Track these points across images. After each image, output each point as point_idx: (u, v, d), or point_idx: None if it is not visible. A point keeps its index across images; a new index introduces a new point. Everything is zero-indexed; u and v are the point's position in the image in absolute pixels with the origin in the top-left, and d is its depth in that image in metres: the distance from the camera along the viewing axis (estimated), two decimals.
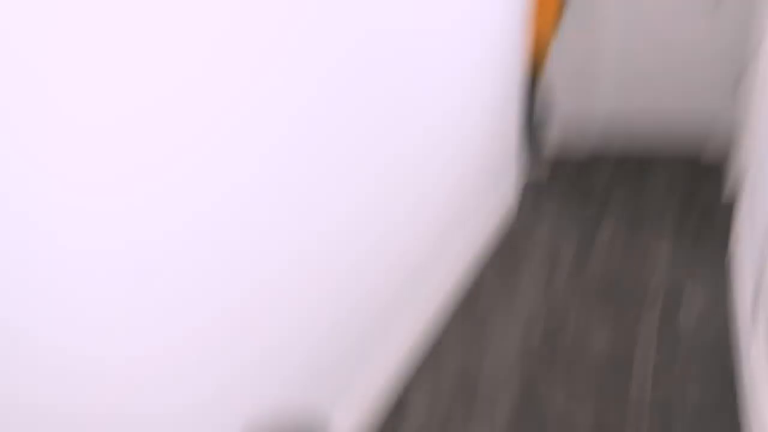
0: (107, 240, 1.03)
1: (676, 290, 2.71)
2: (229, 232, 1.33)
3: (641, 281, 2.82)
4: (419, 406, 2.09)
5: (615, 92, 4.57)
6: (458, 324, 2.59)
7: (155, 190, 1.11)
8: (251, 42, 1.32)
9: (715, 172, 4.17)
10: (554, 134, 4.81)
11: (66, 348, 0.98)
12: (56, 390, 0.97)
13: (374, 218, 1.98)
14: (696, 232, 3.30)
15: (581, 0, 4.36)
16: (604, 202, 3.83)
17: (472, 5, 2.67)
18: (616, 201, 3.83)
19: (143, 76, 1.05)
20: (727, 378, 2.11)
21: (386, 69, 1.95)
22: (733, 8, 3.92)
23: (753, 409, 1.76)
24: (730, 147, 4.37)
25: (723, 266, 2.88)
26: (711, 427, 1.89)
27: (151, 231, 1.12)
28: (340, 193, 1.75)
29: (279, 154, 1.47)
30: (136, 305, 1.10)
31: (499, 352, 2.36)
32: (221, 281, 1.32)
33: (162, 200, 1.13)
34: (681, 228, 3.36)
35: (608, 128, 4.70)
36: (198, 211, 1.23)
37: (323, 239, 1.69)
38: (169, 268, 1.17)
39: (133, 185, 1.06)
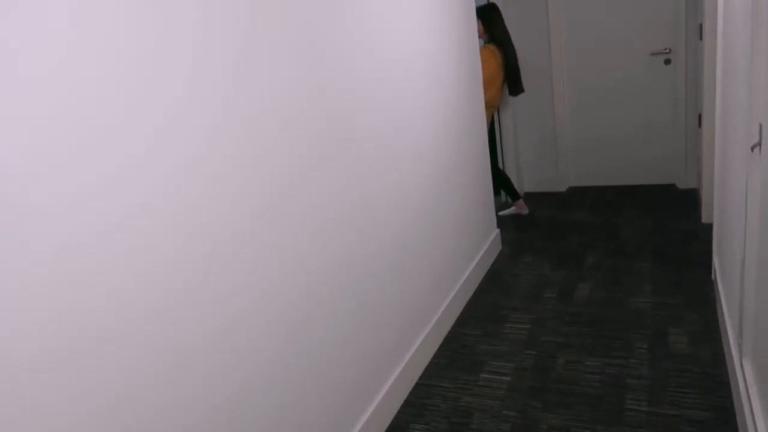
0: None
1: (664, 312, 2.70)
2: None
3: (628, 306, 2.81)
4: None
5: (591, 140, 4.69)
6: (451, 361, 2.55)
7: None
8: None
9: (691, 197, 4.25)
10: (527, 175, 4.89)
11: None
12: None
13: (373, 280, 1.98)
14: (677, 254, 3.32)
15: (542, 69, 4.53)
16: (586, 232, 3.86)
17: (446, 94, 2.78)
18: (598, 230, 3.86)
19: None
20: (723, 392, 2.08)
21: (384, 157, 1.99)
22: (682, 61, 4.21)
23: (751, 424, 1.73)
24: (702, 173, 4.47)
25: (707, 285, 2.89)
26: None
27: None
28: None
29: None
30: None
31: (492, 385, 2.32)
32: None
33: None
34: (662, 251, 3.39)
35: (585, 168, 4.79)
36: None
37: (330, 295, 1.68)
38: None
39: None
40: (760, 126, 1.56)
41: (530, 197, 4.80)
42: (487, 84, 4.01)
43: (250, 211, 1.48)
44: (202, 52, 1.31)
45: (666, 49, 4.30)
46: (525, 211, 4.41)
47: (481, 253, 3.38)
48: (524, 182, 4.93)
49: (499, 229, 3.78)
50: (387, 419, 2.16)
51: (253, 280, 1.48)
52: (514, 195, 4.38)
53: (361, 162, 2.03)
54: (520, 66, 4.50)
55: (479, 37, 4.10)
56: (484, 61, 4.00)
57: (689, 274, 3.05)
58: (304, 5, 1.71)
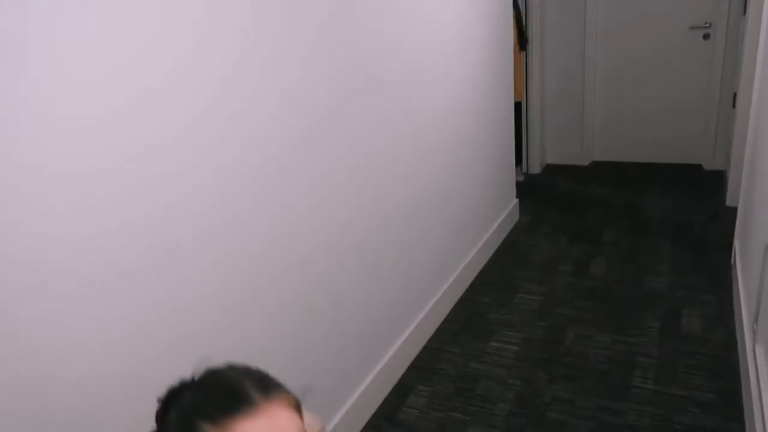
0: None
1: (679, 293, 2.67)
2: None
3: (643, 285, 2.78)
4: (419, 406, 2.05)
5: (622, 113, 4.58)
6: (461, 327, 2.56)
7: None
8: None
9: (716, 179, 4.16)
10: (548, 147, 4.81)
11: None
12: None
13: (387, 241, 1.97)
14: (698, 236, 3.27)
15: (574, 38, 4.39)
16: (606, 207, 3.81)
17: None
18: (618, 206, 3.81)
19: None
20: (732, 376, 2.07)
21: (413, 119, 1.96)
22: (721, 37, 4.07)
23: (758, 409, 1.73)
24: (730, 154, 4.36)
25: (725, 269, 2.85)
26: (714, 418, 1.85)
27: None
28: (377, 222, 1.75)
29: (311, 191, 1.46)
30: None
31: (501, 353, 2.33)
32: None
33: None
34: (683, 232, 3.34)
35: (610, 142, 4.70)
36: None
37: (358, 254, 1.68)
38: None
39: None
40: None
41: (552, 170, 4.74)
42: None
43: (264, 162, 1.47)
44: None
45: (706, 23, 4.14)
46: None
47: (499, 221, 3.36)
48: (547, 154, 4.85)
49: (517, 199, 3.75)
50: (394, 378, 2.19)
51: (278, 224, 1.49)
52: None
53: (379, 113, 2.00)
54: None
55: None
56: None
57: (708, 257, 3.01)
58: None
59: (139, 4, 1.07)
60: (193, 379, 0.75)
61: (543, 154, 4.77)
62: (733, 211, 3.55)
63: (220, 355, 1.06)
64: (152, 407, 0.75)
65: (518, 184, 4.17)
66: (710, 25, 4.13)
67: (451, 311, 2.69)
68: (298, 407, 0.78)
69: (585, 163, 4.78)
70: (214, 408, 0.70)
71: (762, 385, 1.69)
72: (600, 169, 4.63)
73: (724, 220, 3.45)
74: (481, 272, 3.05)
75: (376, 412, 2.03)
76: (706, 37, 4.17)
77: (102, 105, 1.02)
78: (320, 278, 1.72)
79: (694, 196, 3.88)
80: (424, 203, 2.38)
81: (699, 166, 4.45)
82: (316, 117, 1.63)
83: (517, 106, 4.25)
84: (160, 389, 0.75)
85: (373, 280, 2.02)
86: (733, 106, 3.90)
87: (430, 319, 2.48)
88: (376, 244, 2.02)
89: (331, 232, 1.75)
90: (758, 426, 1.62)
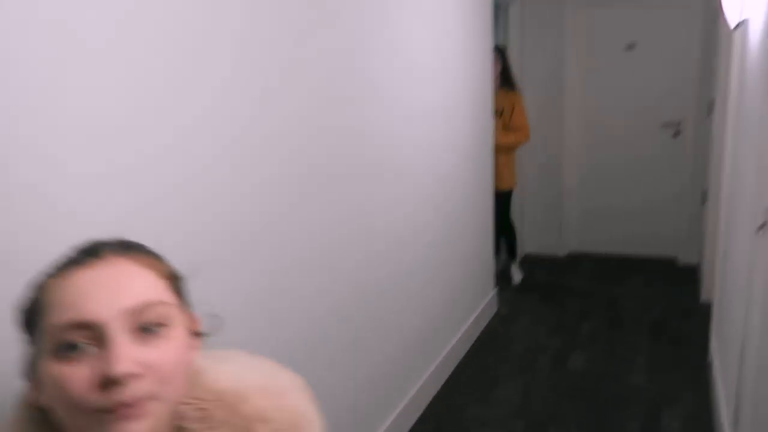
0: None
1: (658, 390, 2.61)
2: None
3: (622, 381, 2.72)
4: None
5: (594, 207, 4.68)
6: (436, 426, 2.45)
7: None
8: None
9: (691, 273, 4.19)
10: (528, 240, 4.85)
11: None
12: None
13: (358, 330, 1.92)
14: (675, 331, 3.25)
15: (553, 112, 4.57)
16: (583, 299, 3.79)
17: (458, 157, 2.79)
18: (595, 299, 3.79)
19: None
20: None
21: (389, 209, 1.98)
22: (690, 135, 4.26)
23: None
24: (704, 250, 4.43)
25: (703, 366, 2.81)
26: None
27: None
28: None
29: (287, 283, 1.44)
30: None
31: None
32: None
33: None
34: (660, 327, 3.31)
35: (586, 234, 4.76)
36: None
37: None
38: None
39: None
40: None
41: (530, 259, 4.75)
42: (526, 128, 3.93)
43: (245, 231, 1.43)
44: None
45: (676, 121, 4.32)
46: (519, 277, 4.24)
47: (477, 312, 3.31)
48: (525, 243, 4.88)
49: (496, 289, 3.72)
50: None
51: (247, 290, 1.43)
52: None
53: (354, 198, 1.98)
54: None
55: (495, 78, 3.73)
56: (521, 107, 3.88)
57: (685, 353, 2.97)
58: (324, 52, 1.71)
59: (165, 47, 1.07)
60: None
61: (521, 243, 4.80)
62: (708, 306, 3.55)
63: None
64: None
65: (497, 274, 4.11)
66: (680, 123, 4.31)
67: (427, 408, 2.57)
68: (169, 277, 0.71)
69: (562, 253, 4.80)
70: (62, 264, 0.68)
71: None
72: (576, 260, 4.66)
73: (700, 315, 3.44)
74: (459, 365, 2.96)
75: None
76: (676, 134, 4.34)
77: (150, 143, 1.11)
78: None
79: (670, 291, 3.89)
80: (399, 295, 2.34)
81: (674, 260, 4.50)
82: (287, 203, 1.61)
83: (506, 196, 4.08)
84: None
85: (344, 374, 1.94)
86: (703, 202, 4.00)
87: (404, 417, 2.37)
88: (345, 340, 1.96)
89: (298, 326, 1.69)
90: None
